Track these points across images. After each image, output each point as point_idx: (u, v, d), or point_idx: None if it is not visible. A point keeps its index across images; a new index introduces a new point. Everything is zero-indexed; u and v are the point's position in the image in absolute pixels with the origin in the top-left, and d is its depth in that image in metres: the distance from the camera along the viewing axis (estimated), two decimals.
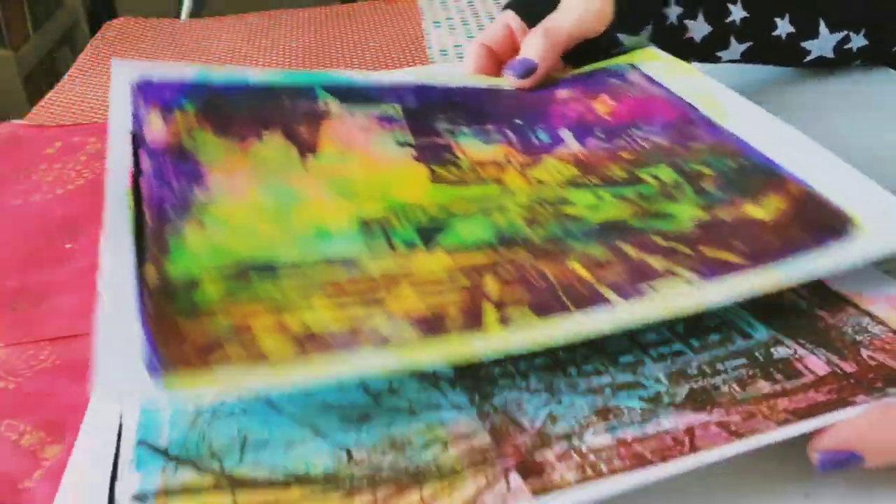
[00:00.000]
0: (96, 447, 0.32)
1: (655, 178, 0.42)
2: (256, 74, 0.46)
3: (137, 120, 0.41)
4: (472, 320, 0.32)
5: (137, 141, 0.40)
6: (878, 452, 0.29)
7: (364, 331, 0.31)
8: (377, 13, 0.87)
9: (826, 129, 0.47)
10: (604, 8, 0.51)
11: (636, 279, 0.34)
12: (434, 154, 0.44)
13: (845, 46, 0.56)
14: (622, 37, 0.53)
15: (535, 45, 0.50)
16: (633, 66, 0.52)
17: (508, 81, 0.51)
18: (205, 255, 0.34)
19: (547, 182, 0.42)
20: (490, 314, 0.33)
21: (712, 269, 0.35)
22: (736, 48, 0.55)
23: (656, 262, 0.36)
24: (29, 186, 0.56)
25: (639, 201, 0.40)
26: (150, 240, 0.34)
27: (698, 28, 0.54)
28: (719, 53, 0.56)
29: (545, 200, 0.41)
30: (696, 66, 0.51)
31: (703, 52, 0.55)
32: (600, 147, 0.45)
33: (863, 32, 0.56)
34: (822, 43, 0.56)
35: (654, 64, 0.52)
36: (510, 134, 0.46)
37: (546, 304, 0.33)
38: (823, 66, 0.60)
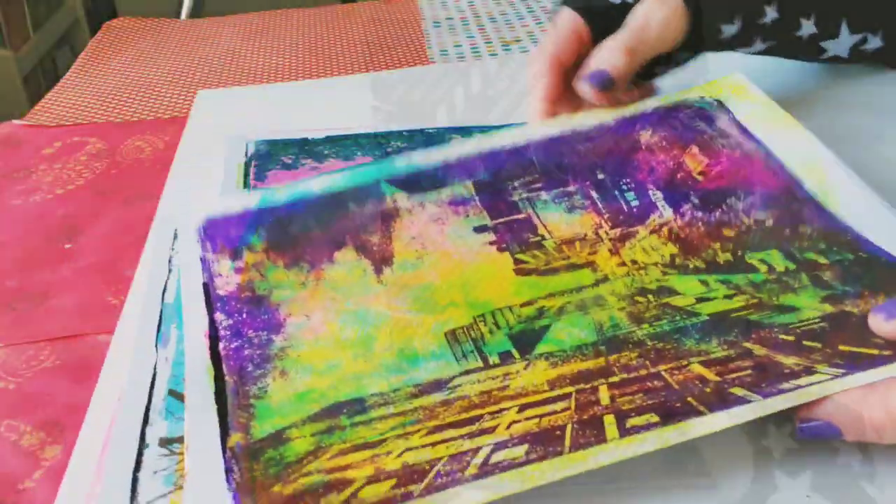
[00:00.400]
0: (130, 395, 0.35)
1: (766, 264, 0.39)
2: (320, 183, 0.44)
3: (206, 266, 0.40)
4: (592, 435, 0.30)
5: (209, 293, 0.39)
6: (854, 429, 0.30)
7: (468, 456, 0.30)
8: (377, 13, 0.87)
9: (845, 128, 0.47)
10: (679, 26, 0.50)
11: (770, 379, 0.32)
12: (515, 236, 0.41)
13: (861, 47, 0.56)
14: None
15: (615, 62, 0.48)
16: (721, 105, 0.48)
17: (583, 91, 0.49)
18: (291, 406, 0.33)
19: (645, 265, 0.39)
20: (611, 426, 0.30)
21: (853, 364, 0.32)
22: (758, 46, 0.55)
23: (787, 360, 0.33)
24: (29, 186, 0.56)
25: (753, 291, 0.37)
26: (233, 407, 0.33)
27: (728, 29, 0.53)
28: (740, 49, 0.55)
29: (647, 289, 0.38)
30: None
31: (724, 48, 0.55)
32: (698, 219, 0.41)
33: (880, 34, 0.56)
34: (841, 43, 0.56)
35: (746, 105, 0.48)
36: (594, 195, 0.43)
37: (673, 409, 0.30)
38: (837, 63, 0.59)
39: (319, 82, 0.70)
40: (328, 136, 0.56)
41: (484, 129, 0.57)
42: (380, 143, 0.55)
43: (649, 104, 0.49)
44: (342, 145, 0.55)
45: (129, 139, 0.62)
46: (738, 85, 0.50)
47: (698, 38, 0.51)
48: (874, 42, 0.56)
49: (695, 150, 0.45)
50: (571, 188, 0.43)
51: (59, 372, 0.40)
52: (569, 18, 0.52)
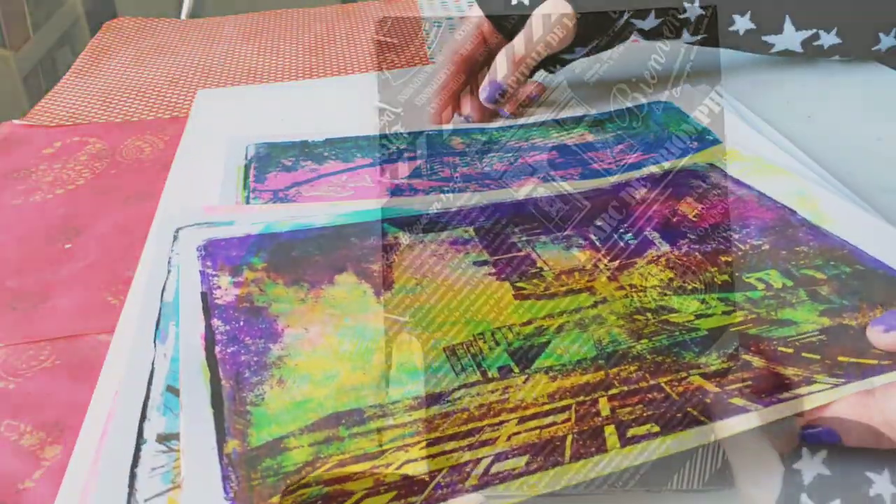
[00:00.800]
0: (127, 390, 0.34)
1: (764, 282, 0.39)
2: (321, 219, 0.45)
3: (206, 279, 0.40)
4: (592, 445, 0.30)
5: (207, 301, 0.39)
6: (853, 435, 0.31)
7: (469, 467, 0.30)
8: (377, 13, 0.87)
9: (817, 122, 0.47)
10: (567, 30, 0.55)
11: (770, 390, 0.32)
12: (514, 269, 0.41)
13: (814, 43, 0.57)
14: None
15: (504, 73, 0.55)
16: (713, 167, 0.50)
17: (483, 101, 0.56)
18: (288, 415, 0.33)
19: (644, 287, 0.39)
20: (612, 436, 0.30)
21: (853, 374, 0.32)
22: (688, 38, 0.57)
23: (787, 371, 0.33)
24: (29, 186, 0.56)
25: (751, 307, 0.37)
26: (229, 412, 0.33)
27: (644, 24, 0.56)
28: (669, 39, 0.57)
29: (646, 308, 0.38)
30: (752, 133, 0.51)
31: (651, 38, 0.57)
32: (695, 249, 0.42)
33: (835, 31, 0.56)
34: (788, 38, 0.57)
35: (737, 164, 0.49)
36: (593, 237, 0.43)
37: (673, 419, 0.31)
38: (795, 57, 0.60)
39: (319, 82, 0.70)
40: (328, 139, 0.56)
41: (484, 131, 0.57)
42: (380, 145, 0.55)
43: (643, 172, 0.50)
44: (342, 147, 0.55)
45: (129, 139, 0.62)
46: (729, 150, 0.51)
47: (589, 37, 0.57)
48: (829, 39, 0.57)
49: (689, 200, 0.47)
50: (570, 233, 0.44)
51: (59, 372, 0.40)
52: (475, 18, 0.58)
